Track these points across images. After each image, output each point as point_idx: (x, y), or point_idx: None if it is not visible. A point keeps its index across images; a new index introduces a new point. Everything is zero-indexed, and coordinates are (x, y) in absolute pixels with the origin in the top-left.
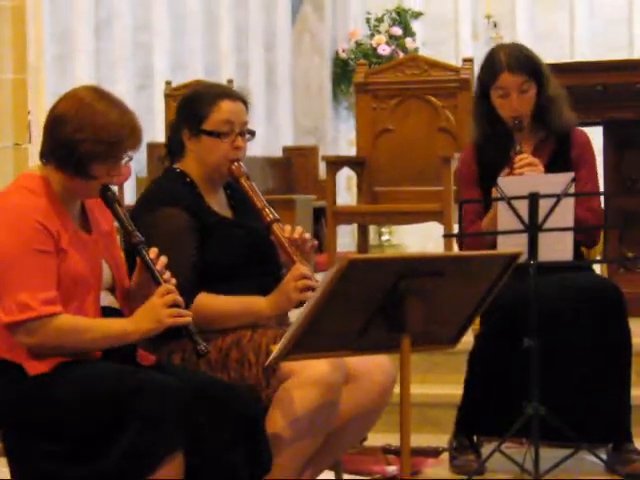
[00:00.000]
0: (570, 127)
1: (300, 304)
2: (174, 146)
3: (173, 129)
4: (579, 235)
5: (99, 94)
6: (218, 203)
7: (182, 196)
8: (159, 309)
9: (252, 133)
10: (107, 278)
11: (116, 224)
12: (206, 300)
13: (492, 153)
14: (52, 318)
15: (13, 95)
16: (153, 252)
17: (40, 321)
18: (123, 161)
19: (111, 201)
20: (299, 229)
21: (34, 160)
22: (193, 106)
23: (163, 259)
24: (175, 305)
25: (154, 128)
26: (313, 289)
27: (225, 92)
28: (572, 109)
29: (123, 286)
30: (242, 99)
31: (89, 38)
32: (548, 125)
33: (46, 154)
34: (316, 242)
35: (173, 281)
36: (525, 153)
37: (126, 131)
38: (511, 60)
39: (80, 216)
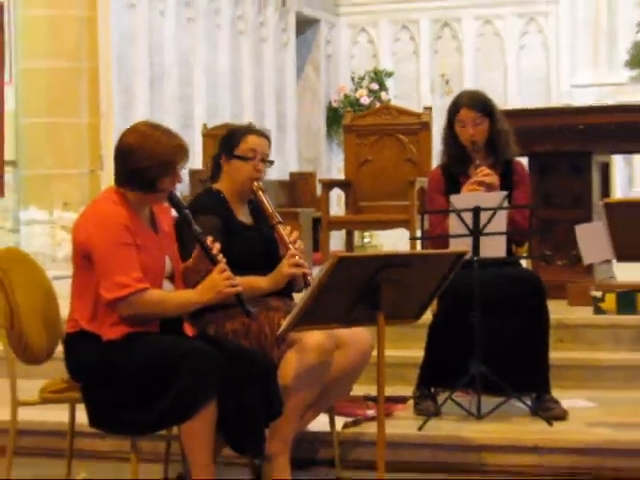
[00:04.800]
0: (513, 157)
1: (299, 290)
2: (215, 170)
3: (215, 157)
4: (517, 236)
5: (152, 126)
6: (243, 214)
7: (216, 207)
8: (219, 282)
9: (271, 162)
10: (168, 268)
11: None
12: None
13: (455, 169)
14: (144, 292)
15: (88, 134)
16: (210, 240)
17: (136, 295)
18: (180, 170)
19: (176, 201)
20: (295, 233)
21: (105, 183)
22: (230, 138)
23: (217, 245)
24: (229, 279)
25: (194, 158)
26: (300, 265)
27: (253, 130)
28: (516, 144)
29: (179, 272)
30: (266, 136)
31: (146, 91)
32: (497, 153)
33: (120, 181)
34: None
35: (224, 261)
36: (483, 166)
37: (178, 150)
38: (470, 100)
39: (149, 219)
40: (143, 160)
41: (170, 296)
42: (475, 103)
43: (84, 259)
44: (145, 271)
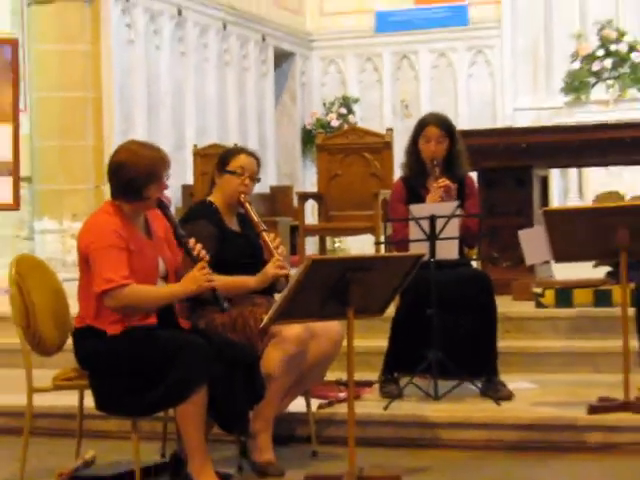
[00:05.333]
0: (465, 173)
1: (279, 290)
2: (210, 185)
3: (212, 174)
4: (469, 240)
5: (136, 143)
6: (232, 223)
7: (209, 216)
8: (199, 277)
9: (258, 180)
10: (162, 269)
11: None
12: (217, 278)
13: (415, 182)
14: (127, 286)
15: (94, 155)
16: (192, 241)
17: (120, 289)
18: (164, 179)
19: (164, 207)
20: (278, 240)
21: (108, 197)
22: (224, 156)
23: (199, 245)
24: (207, 275)
25: (185, 174)
26: (283, 268)
27: (245, 150)
28: (468, 161)
29: (173, 272)
30: (256, 157)
31: (143, 117)
32: (453, 170)
33: (115, 194)
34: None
35: (207, 258)
36: (444, 178)
37: (159, 160)
38: (436, 119)
39: (144, 227)
40: (130, 172)
41: (153, 289)
42: (441, 123)
43: (85, 263)
44: (140, 272)
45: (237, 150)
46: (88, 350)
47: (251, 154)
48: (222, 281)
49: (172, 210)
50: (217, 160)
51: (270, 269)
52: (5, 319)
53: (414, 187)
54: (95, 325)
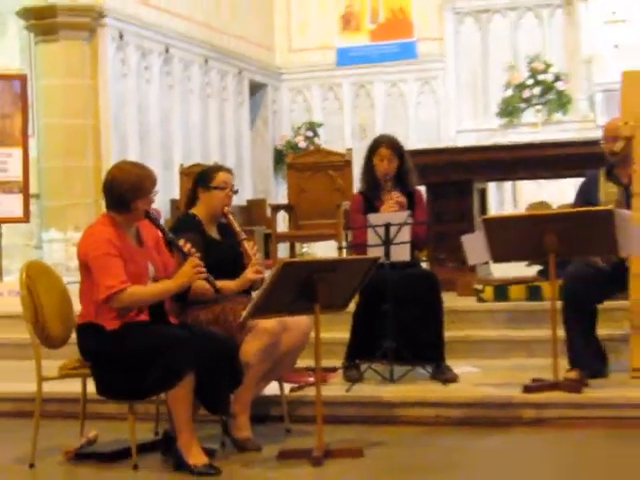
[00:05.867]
0: (414, 187)
1: (256, 290)
2: (191, 199)
3: (190, 190)
4: (419, 244)
5: (127, 163)
6: (213, 232)
7: (194, 227)
8: (189, 270)
9: (236, 191)
10: (152, 273)
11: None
12: (202, 283)
13: (370, 194)
14: (126, 289)
15: (93, 174)
16: (182, 241)
17: (121, 292)
18: (152, 194)
19: (152, 218)
20: (256, 247)
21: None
22: (205, 174)
23: (188, 245)
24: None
25: (173, 190)
26: (260, 272)
27: (222, 167)
28: (417, 177)
29: (162, 275)
30: (231, 171)
31: (136, 141)
32: (403, 184)
33: (108, 207)
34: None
35: (198, 255)
36: (396, 192)
37: (146, 178)
38: (388, 141)
39: (135, 235)
40: (120, 187)
41: (149, 287)
42: (392, 144)
43: (84, 268)
44: (132, 275)
45: (216, 168)
46: (89, 343)
47: (228, 170)
48: (207, 285)
49: (161, 221)
50: (197, 178)
51: (249, 274)
52: (17, 317)
53: (370, 199)
54: (95, 321)
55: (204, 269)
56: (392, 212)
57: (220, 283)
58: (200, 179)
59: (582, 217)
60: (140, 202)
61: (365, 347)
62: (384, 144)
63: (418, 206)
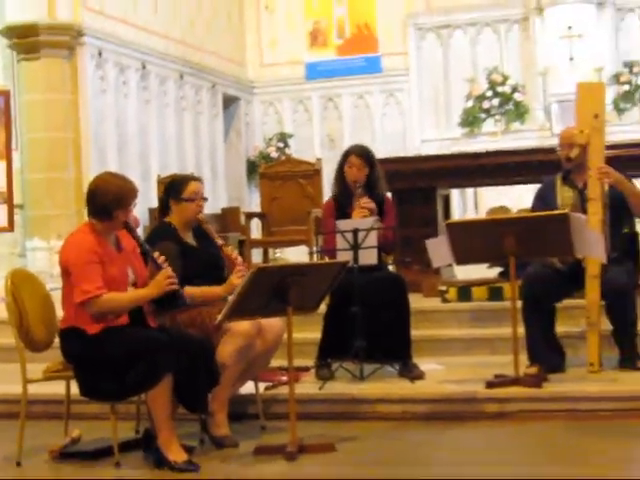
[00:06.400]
0: (383, 193)
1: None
2: (165, 208)
3: (163, 199)
4: (387, 248)
5: (111, 174)
6: (188, 237)
7: (170, 235)
8: (161, 281)
9: (206, 199)
10: (131, 278)
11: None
12: (191, 290)
13: (342, 201)
14: (101, 296)
15: (74, 185)
16: (156, 253)
17: (96, 298)
18: (132, 205)
19: (130, 228)
20: (236, 252)
21: (86, 219)
22: (175, 185)
23: (163, 257)
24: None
25: (151, 200)
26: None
27: (191, 177)
28: (386, 184)
29: (142, 280)
30: (201, 180)
31: (115, 153)
32: (373, 191)
33: (90, 215)
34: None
35: (169, 268)
36: (366, 198)
37: (128, 189)
38: (359, 150)
39: (115, 243)
40: (104, 197)
41: (123, 295)
42: (363, 153)
43: (66, 275)
44: (112, 280)
45: (185, 179)
46: (72, 347)
47: (197, 179)
48: (194, 292)
49: (140, 229)
50: (168, 188)
51: (234, 279)
52: (2, 322)
53: (342, 205)
54: (77, 326)
55: (176, 280)
56: (362, 217)
57: (207, 288)
58: (170, 190)
59: (539, 221)
60: (121, 212)
61: (336, 347)
62: (355, 153)
63: (387, 212)
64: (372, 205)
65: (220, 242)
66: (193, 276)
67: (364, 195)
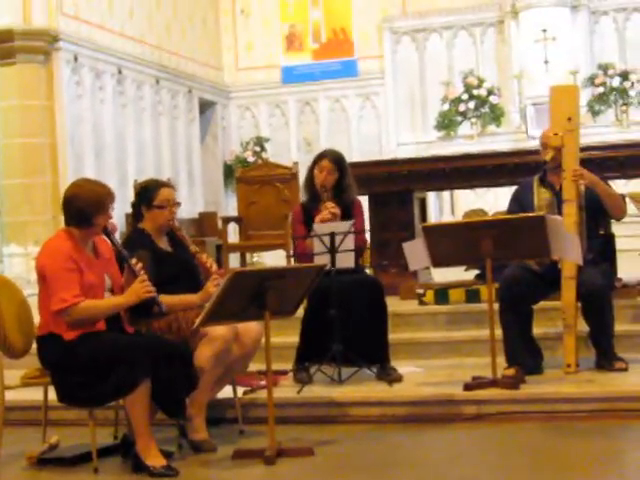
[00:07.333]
0: (354, 198)
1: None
2: (138, 214)
3: (135, 204)
4: (355, 251)
5: (85, 180)
6: (163, 243)
7: (143, 242)
8: (138, 288)
9: (179, 204)
10: (108, 284)
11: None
12: (167, 299)
13: (310, 206)
14: (78, 304)
15: (51, 190)
16: (134, 260)
17: (73, 307)
18: (110, 210)
19: (109, 234)
20: (210, 259)
21: (63, 225)
22: (147, 192)
23: (140, 264)
24: (146, 286)
25: (128, 205)
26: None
27: (163, 183)
28: (357, 189)
29: (118, 286)
30: (172, 186)
31: (92, 158)
32: (342, 196)
33: (67, 222)
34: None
35: (145, 276)
36: (331, 202)
37: (105, 194)
38: (331, 155)
39: (92, 249)
40: (80, 203)
41: (100, 302)
42: (334, 158)
43: (43, 281)
44: (90, 286)
45: (156, 185)
46: (49, 353)
47: (168, 185)
48: (171, 300)
49: (117, 234)
50: (139, 195)
51: (210, 287)
52: None
53: (309, 210)
54: (54, 332)
55: (152, 288)
56: (326, 221)
57: (183, 296)
58: (142, 197)
59: (515, 223)
60: (100, 218)
61: (314, 350)
62: (326, 157)
63: (357, 216)
64: (337, 210)
65: (194, 249)
66: (168, 282)
67: (331, 200)
